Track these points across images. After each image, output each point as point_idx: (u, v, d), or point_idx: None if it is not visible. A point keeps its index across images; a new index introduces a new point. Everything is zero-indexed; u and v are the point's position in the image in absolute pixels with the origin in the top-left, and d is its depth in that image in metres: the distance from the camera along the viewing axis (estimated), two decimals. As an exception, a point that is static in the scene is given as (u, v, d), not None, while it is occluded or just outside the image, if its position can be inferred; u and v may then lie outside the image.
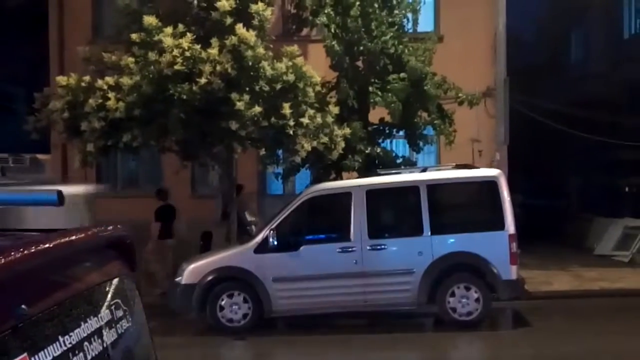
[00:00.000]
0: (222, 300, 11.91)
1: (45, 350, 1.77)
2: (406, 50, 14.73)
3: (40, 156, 22.50)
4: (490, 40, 18.32)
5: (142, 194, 19.07)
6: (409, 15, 15.13)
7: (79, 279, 2.12)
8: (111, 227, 2.51)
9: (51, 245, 1.92)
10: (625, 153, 22.54)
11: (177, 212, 15.74)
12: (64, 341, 1.87)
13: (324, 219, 13.07)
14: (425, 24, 16.59)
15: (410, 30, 15.52)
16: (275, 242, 11.81)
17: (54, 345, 1.82)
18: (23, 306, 1.71)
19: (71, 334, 1.92)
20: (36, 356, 1.72)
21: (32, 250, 1.80)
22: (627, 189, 24.97)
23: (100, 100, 12.29)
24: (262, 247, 11.90)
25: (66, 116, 12.71)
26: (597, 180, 25.02)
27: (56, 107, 12.74)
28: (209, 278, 11.95)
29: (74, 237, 2.12)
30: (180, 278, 12.07)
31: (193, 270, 12.09)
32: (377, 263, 11.79)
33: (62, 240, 2.01)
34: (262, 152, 13.62)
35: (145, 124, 12.44)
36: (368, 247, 11.81)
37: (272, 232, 11.86)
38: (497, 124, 18.12)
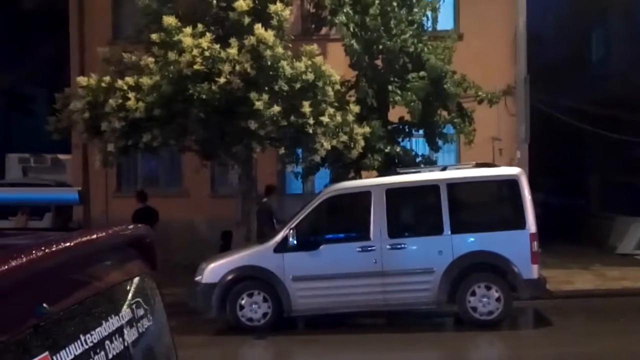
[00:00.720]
0: (242, 299, 11.93)
1: (67, 349, 1.77)
2: (425, 49, 14.67)
3: (61, 156, 22.71)
4: (510, 38, 18.22)
5: (163, 194, 19.20)
6: (429, 13, 15.08)
7: (100, 278, 2.13)
8: (132, 227, 2.51)
9: (72, 244, 1.92)
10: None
11: (158, 215, 15.11)
12: (85, 340, 1.87)
13: (344, 218, 13.07)
14: (445, 22, 16.50)
15: (430, 29, 15.48)
16: (295, 241, 11.81)
17: (75, 343, 1.82)
18: (45, 305, 1.71)
19: (92, 332, 1.92)
20: (57, 355, 1.72)
21: (54, 249, 1.80)
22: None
23: (120, 101, 12.36)
24: (282, 246, 11.89)
25: (87, 116, 12.79)
26: (618, 179, 24.79)
27: (77, 108, 12.82)
28: (229, 277, 11.96)
29: (95, 236, 2.12)
30: (200, 277, 12.10)
31: (213, 270, 12.11)
32: (396, 262, 11.75)
33: (84, 239, 2.02)
34: (282, 151, 13.65)
35: (165, 124, 12.50)
36: (388, 247, 11.77)
37: (291, 231, 11.86)
38: (518, 122, 18.02)
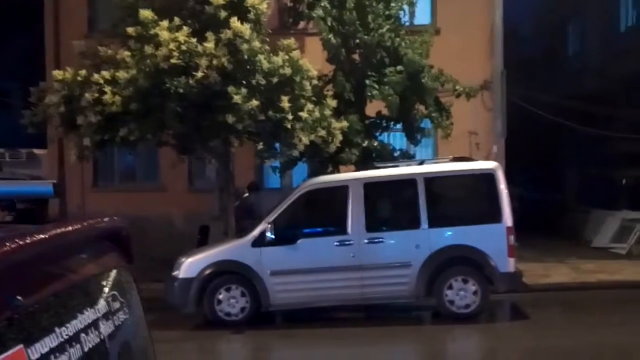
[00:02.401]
0: (220, 294, 11.90)
1: (42, 341, 1.75)
2: (403, 43, 14.68)
3: (37, 151, 22.47)
4: (487, 32, 18.30)
5: (140, 188, 19.11)
6: (406, 7, 15.10)
7: (75, 270, 2.11)
8: (107, 219, 2.49)
9: (46, 236, 1.90)
10: (622, 145, 22.55)
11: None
12: (60, 332, 1.85)
13: (321, 213, 13.08)
14: (422, 16, 16.56)
15: (407, 23, 15.52)
16: (273, 236, 11.80)
17: (50, 336, 1.80)
18: (18, 297, 1.69)
19: (67, 325, 1.90)
20: (32, 347, 1.71)
21: (27, 241, 1.78)
22: (624, 182, 24.98)
23: (96, 95, 12.27)
24: (260, 241, 11.88)
25: (62, 110, 12.69)
26: (594, 173, 25.03)
27: (52, 102, 12.71)
28: (207, 272, 11.94)
29: (69, 229, 2.10)
30: (177, 272, 12.05)
31: (190, 264, 12.07)
32: (374, 256, 11.78)
33: (57, 232, 2.00)
34: (260, 145, 13.62)
35: (142, 118, 12.42)
36: (365, 241, 11.80)
37: (269, 225, 11.84)
38: (495, 116, 18.12)
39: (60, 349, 1.82)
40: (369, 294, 11.87)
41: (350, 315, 12.92)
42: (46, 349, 1.76)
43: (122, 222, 2.59)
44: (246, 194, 15.34)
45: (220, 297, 11.90)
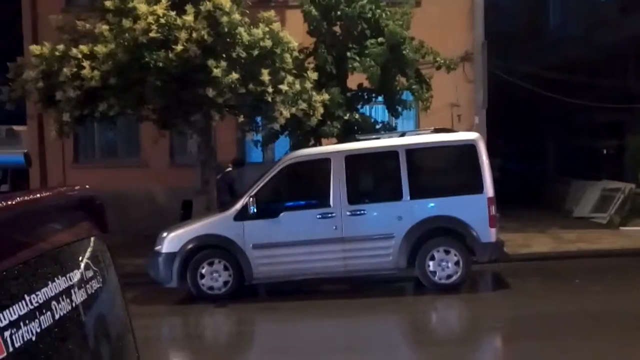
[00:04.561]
0: (203, 268, 11.91)
1: (10, 308, 1.74)
2: (384, 15, 14.66)
3: (16, 127, 22.29)
4: (467, 4, 18.28)
5: (121, 164, 19.02)
6: (387, -21, 15.04)
7: (46, 239, 2.09)
8: (78, 187, 2.47)
9: (13, 203, 1.88)
10: (602, 115, 22.69)
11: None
12: (30, 300, 1.84)
13: (303, 186, 13.07)
14: (403, -12, 16.49)
15: (388, -5, 15.45)
16: (255, 210, 11.79)
17: (20, 304, 1.79)
18: (-16, 264, 1.68)
19: (37, 293, 1.89)
20: (0, 314, 1.70)
21: (-7, 208, 1.77)
22: (605, 152, 25.17)
23: (75, 69, 12.15)
24: (242, 215, 11.87)
25: (41, 86, 12.56)
26: (575, 143, 25.18)
27: (30, 77, 12.57)
28: (190, 246, 11.93)
29: (38, 196, 2.08)
30: (160, 247, 12.04)
31: (173, 239, 12.06)
32: (356, 228, 11.81)
33: (26, 199, 1.98)
34: (241, 119, 13.57)
35: (121, 93, 12.32)
36: (348, 213, 11.82)
37: (251, 199, 11.83)
38: (476, 88, 18.15)
39: (29, 315, 1.81)
40: (352, 266, 11.91)
41: (333, 287, 12.98)
42: (15, 317, 1.75)
43: (94, 190, 2.57)
44: (229, 169, 15.31)
45: (203, 271, 11.91)
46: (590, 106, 21.53)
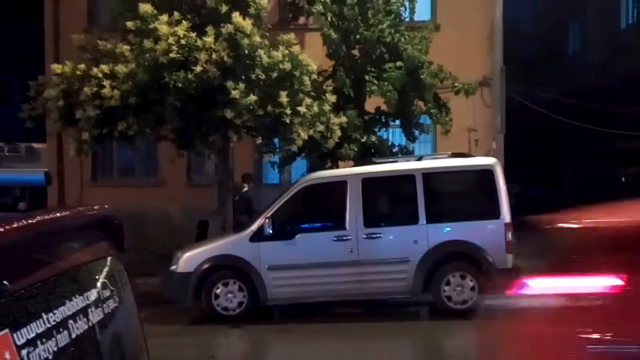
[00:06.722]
0: (218, 288, 11.90)
1: (28, 326, 1.75)
2: (403, 39, 14.69)
3: (35, 145, 22.50)
4: (487, 29, 18.29)
5: (139, 183, 19.12)
6: (406, 3, 15.12)
7: (64, 257, 2.11)
8: (98, 207, 2.49)
9: (34, 222, 1.90)
10: (621, 143, 22.54)
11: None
12: (47, 318, 1.85)
13: (320, 208, 13.07)
14: (422, 12, 16.51)
15: (407, 19, 15.53)
16: (271, 231, 11.79)
17: (37, 322, 1.80)
18: (5, 282, 1.69)
19: (55, 311, 1.91)
20: (18, 332, 1.71)
21: (14, 226, 1.78)
22: (623, 179, 24.98)
23: (95, 89, 12.26)
24: (258, 236, 11.87)
25: (61, 104, 12.69)
26: (593, 170, 25.02)
27: (51, 96, 12.71)
28: (205, 266, 11.93)
29: (58, 215, 2.10)
30: (175, 266, 12.05)
31: (188, 259, 12.07)
32: (372, 252, 11.77)
33: (47, 218, 2.00)
34: (259, 140, 13.63)
35: (141, 112, 12.43)
36: (363, 236, 11.79)
37: (267, 220, 11.83)
38: (494, 113, 18.11)
39: (47, 334, 1.82)
40: (367, 289, 11.86)
41: (347, 310, 12.92)
42: (32, 335, 1.76)
43: (112, 210, 2.59)
44: (245, 188, 15.34)
45: (218, 291, 11.90)
46: (609, 133, 21.41)
